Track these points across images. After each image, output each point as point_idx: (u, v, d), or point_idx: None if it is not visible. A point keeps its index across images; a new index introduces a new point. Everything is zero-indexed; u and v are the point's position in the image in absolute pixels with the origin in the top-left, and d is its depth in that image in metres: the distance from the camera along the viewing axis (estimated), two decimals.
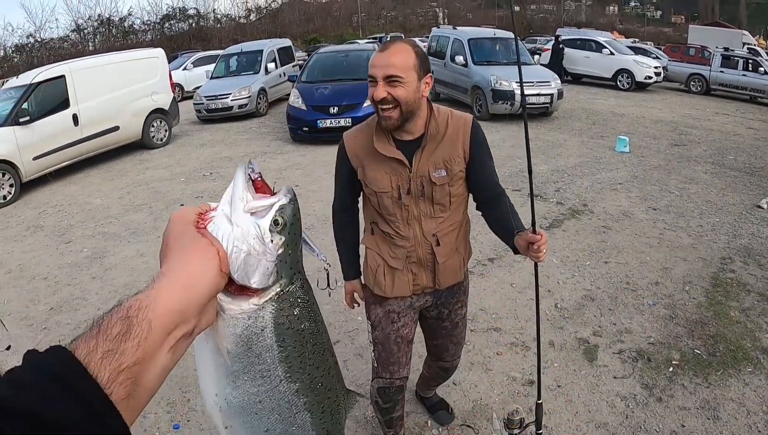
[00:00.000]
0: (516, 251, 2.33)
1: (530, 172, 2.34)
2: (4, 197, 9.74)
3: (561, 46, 20.53)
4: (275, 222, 0.89)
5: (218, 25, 53.18)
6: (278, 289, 0.92)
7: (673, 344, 4.17)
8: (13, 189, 9.93)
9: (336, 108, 10.89)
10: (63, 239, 7.56)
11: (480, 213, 2.60)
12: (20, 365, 0.61)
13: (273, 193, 0.94)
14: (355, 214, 2.72)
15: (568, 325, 4.45)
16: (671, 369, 3.88)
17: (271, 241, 0.89)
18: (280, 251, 0.90)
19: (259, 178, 0.96)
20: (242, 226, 0.87)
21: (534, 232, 2.18)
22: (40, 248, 7.33)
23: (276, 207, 0.90)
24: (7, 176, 9.80)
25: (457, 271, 2.62)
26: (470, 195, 2.59)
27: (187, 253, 0.80)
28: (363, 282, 2.77)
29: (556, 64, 19.79)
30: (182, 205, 8.12)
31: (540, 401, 2.56)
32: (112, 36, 48.34)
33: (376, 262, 2.58)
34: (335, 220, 2.79)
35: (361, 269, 2.77)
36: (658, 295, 4.91)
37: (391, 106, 2.18)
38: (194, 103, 15.79)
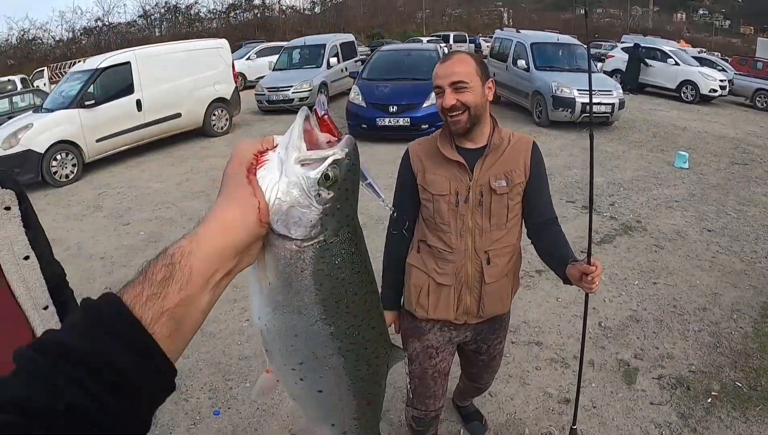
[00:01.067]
0: (566, 281, 2.28)
1: (591, 202, 2.35)
2: (67, 176, 10.20)
3: (640, 53, 19.83)
4: (326, 177, 0.86)
5: (283, 17, 53.76)
6: (321, 239, 0.89)
7: (715, 374, 4.09)
8: (76, 169, 10.40)
9: (395, 107, 10.91)
10: (121, 221, 7.80)
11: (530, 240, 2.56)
12: (78, 313, 0.70)
13: (337, 137, 0.92)
14: (409, 236, 2.65)
15: (609, 345, 4.42)
16: (709, 400, 3.81)
17: (318, 195, 0.86)
18: (327, 205, 0.87)
19: (326, 116, 0.95)
20: (290, 178, 0.85)
21: (589, 261, 2.13)
22: (99, 228, 7.58)
23: (329, 160, 0.87)
24: (70, 156, 10.27)
25: (504, 298, 2.56)
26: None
27: (230, 198, 0.83)
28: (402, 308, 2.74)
29: (632, 72, 19.36)
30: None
31: (575, 427, 2.59)
32: (178, 23, 49.35)
33: (420, 280, 2.53)
34: (389, 238, 2.73)
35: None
36: (704, 321, 4.82)
37: (460, 111, 2.24)
38: (256, 94, 16.07)
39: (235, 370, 4.29)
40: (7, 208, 1.70)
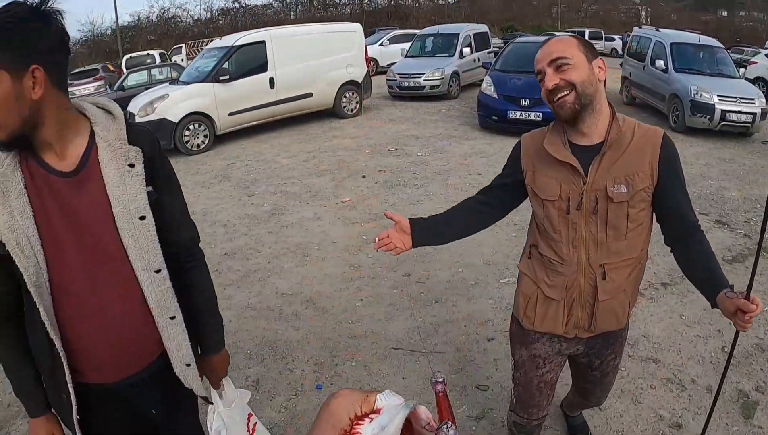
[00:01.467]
0: (714, 305, 2.00)
1: (760, 245, 2.03)
2: (198, 146, 10.71)
3: None
4: None
5: (417, 5, 53.89)
6: None
7: None
8: (207, 139, 10.91)
9: (527, 100, 10.61)
10: (247, 192, 8.00)
11: (670, 248, 2.23)
12: None
13: (450, 418, 0.82)
14: (488, 207, 2.42)
15: (731, 373, 4.05)
16: None
17: None
18: None
19: (442, 393, 0.90)
20: None
21: (748, 297, 1.86)
22: (224, 197, 7.80)
23: None
24: (203, 127, 10.77)
25: (619, 316, 2.24)
26: (654, 225, 2.22)
27: None
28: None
29: None
30: (363, 176, 8.32)
31: None
32: (313, 7, 50.46)
33: (529, 290, 2.31)
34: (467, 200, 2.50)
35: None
36: None
37: (565, 92, 1.96)
38: (387, 79, 16.15)
39: (342, 348, 4.28)
40: (131, 165, 1.69)
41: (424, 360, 4.04)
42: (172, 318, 1.83)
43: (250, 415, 2.32)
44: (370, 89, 14.33)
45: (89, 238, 1.64)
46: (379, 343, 4.28)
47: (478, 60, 17.04)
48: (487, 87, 11.47)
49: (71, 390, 1.70)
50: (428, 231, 2.38)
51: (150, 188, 1.73)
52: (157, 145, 1.80)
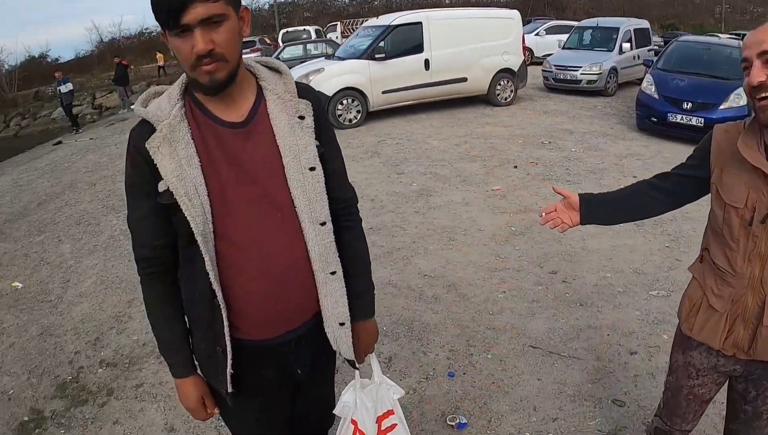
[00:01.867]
0: None
1: None
2: (350, 121, 11.00)
3: None
4: None
5: None
6: None
7: None
8: (360, 115, 11.20)
9: (689, 104, 10.01)
10: (396, 170, 8.08)
11: None
12: None
13: None
14: (661, 195, 2.18)
15: None
16: None
17: None
18: None
19: None
20: None
21: None
22: (373, 173, 7.92)
23: None
24: (356, 103, 11.04)
25: None
26: None
27: None
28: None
29: None
30: (515, 166, 8.21)
31: None
32: None
33: (695, 295, 2.14)
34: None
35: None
36: None
37: None
38: (543, 70, 15.82)
39: (480, 338, 4.23)
40: (301, 118, 1.71)
41: (562, 364, 3.93)
42: (333, 273, 1.83)
43: (390, 412, 2.27)
44: (526, 79, 14.06)
45: (256, 189, 1.65)
46: (518, 339, 4.20)
47: (638, 57, 16.24)
48: (648, 86, 10.90)
49: (228, 343, 1.71)
50: (598, 209, 2.23)
51: (317, 142, 1.74)
52: (322, 103, 1.82)
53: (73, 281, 5.91)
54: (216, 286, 1.64)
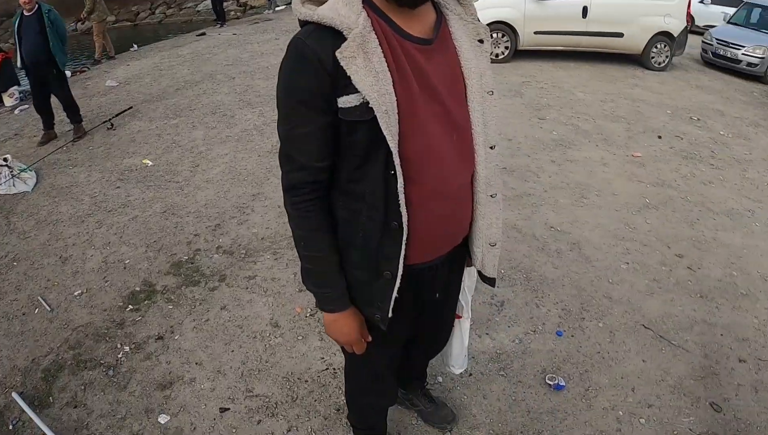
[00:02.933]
0: None
1: None
2: (497, 56, 10.78)
3: None
4: None
5: None
6: None
7: None
8: (507, 52, 11.22)
9: None
10: (538, 114, 7.93)
11: None
12: None
13: None
14: None
15: None
16: None
17: None
18: None
19: None
20: None
21: None
22: (514, 113, 7.81)
23: None
24: (505, 38, 10.98)
25: None
26: None
27: None
28: None
29: None
30: (660, 136, 7.89)
31: None
32: None
33: None
34: None
35: None
36: None
37: None
38: (703, 42, 14.72)
39: (594, 305, 4.19)
40: (480, 41, 1.70)
41: (670, 352, 3.85)
42: (493, 196, 1.87)
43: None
44: (684, 46, 13.17)
45: (440, 108, 1.61)
46: (632, 315, 4.14)
47: None
48: None
49: (401, 267, 1.71)
50: None
51: None
52: None
53: (202, 167, 6.15)
54: (403, 208, 1.60)
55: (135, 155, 6.71)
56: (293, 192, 1.64)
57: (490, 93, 1.72)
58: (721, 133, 8.53)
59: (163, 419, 3.19)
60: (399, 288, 1.77)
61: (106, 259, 4.66)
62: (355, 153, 1.57)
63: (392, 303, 1.78)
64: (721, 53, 14.01)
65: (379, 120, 1.46)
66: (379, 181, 1.57)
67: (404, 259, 1.70)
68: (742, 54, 13.64)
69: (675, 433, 3.29)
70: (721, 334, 4.10)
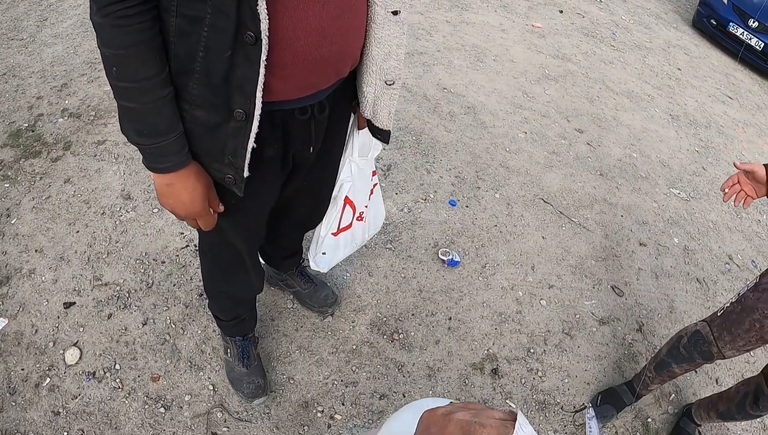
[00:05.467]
0: None
1: None
2: None
3: None
4: None
5: None
6: None
7: None
8: None
9: (757, 22, 8.49)
10: None
11: None
12: None
13: None
14: None
15: None
16: None
17: None
18: None
19: None
20: None
21: None
22: None
23: None
24: None
25: None
26: None
27: None
28: None
29: None
30: (561, 11, 7.39)
31: None
32: None
33: None
34: None
35: None
36: None
37: None
38: None
39: (491, 173, 3.82)
40: None
41: (570, 230, 3.57)
42: (395, 14, 1.40)
43: (374, 172, 2.09)
44: None
45: None
46: (530, 188, 3.79)
47: None
48: None
49: (259, 101, 1.21)
50: None
51: None
52: None
53: (51, 20, 5.18)
54: (263, 11, 1.10)
55: None
56: None
57: None
58: (623, 18, 8.27)
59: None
60: (259, 137, 1.31)
61: None
62: None
63: (248, 157, 1.32)
64: None
65: None
66: None
67: (263, 91, 1.22)
68: None
69: (577, 316, 3.06)
70: (622, 215, 3.87)
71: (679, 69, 6.85)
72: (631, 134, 4.82)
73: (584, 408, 2.54)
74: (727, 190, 2.05)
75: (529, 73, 5.24)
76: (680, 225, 3.94)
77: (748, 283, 2.09)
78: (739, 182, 2.02)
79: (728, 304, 2.12)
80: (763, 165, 1.98)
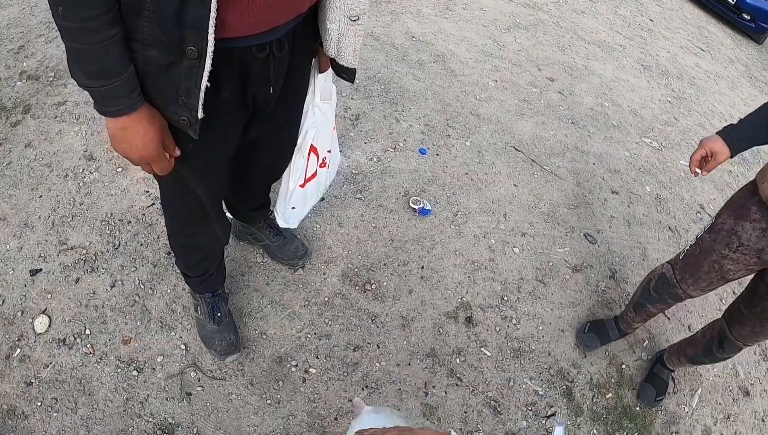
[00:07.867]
0: None
1: None
2: None
3: None
4: None
5: None
6: None
7: None
8: None
9: None
10: None
11: None
12: None
13: None
14: None
15: None
16: None
17: None
18: None
19: None
20: None
21: None
22: None
23: None
24: None
25: None
26: None
27: None
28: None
29: None
30: None
31: None
32: None
33: None
34: None
35: None
36: None
37: None
38: None
39: (461, 121, 3.72)
40: None
41: (542, 178, 3.51)
42: None
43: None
44: None
45: None
46: (501, 135, 3.71)
47: None
48: None
49: (212, 37, 1.13)
50: (746, 141, 1.98)
51: None
52: None
53: None
54: None
55: None
56: None
57: None
58: None
59: None
60: (215, 77, 1.23)
61: None
62: None
63: (202, 97, 1.23)
64: None
65: None
66: None
67: (217, 28, 1.14)
68: None
69: (550, 263, 3.02)
70: (593, 163, 3.83)
71: (651, 20, 6.79)
72: (602, 83, 4.75)
73: (554, 414, 2.50)
74: (698, 170, 2.03)
75: (499, 22, 5.12)
76: (652, 174, 3.91)
77: (705, 225, 2.08)
78: (704, 155, 2.00)
79: (688, 247, 2.13)
80: (716, 134, 1.98)
